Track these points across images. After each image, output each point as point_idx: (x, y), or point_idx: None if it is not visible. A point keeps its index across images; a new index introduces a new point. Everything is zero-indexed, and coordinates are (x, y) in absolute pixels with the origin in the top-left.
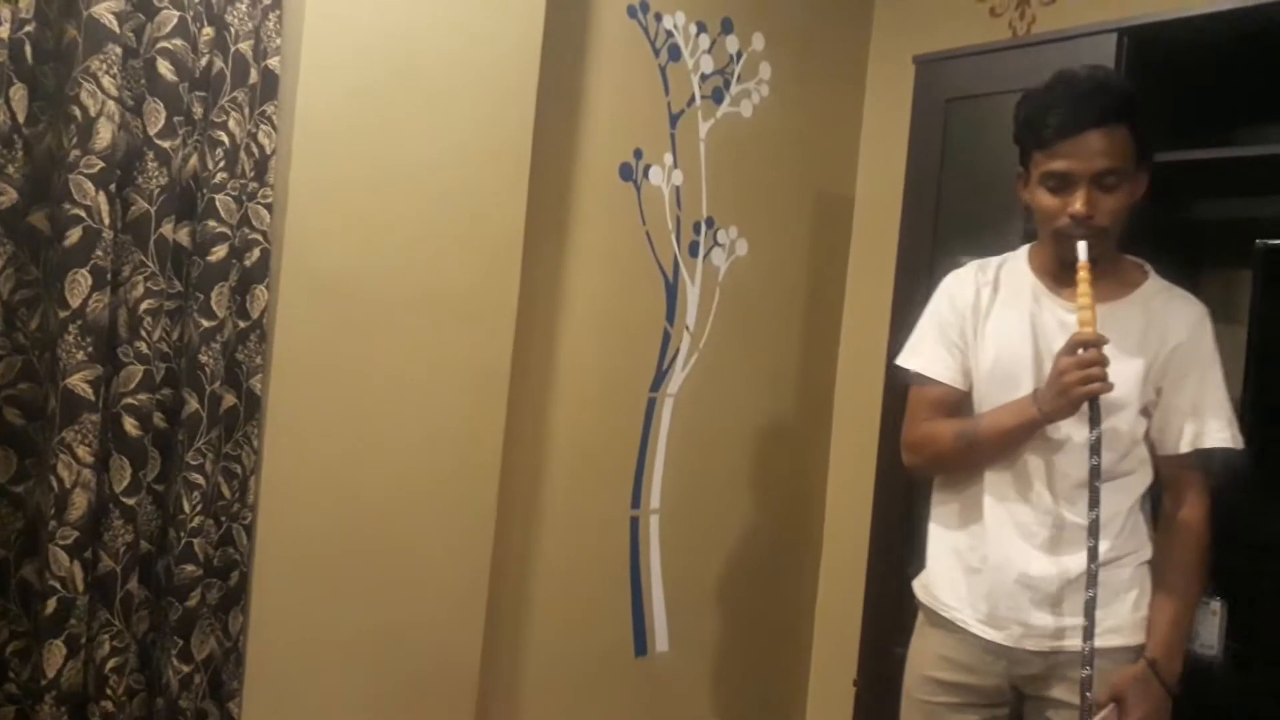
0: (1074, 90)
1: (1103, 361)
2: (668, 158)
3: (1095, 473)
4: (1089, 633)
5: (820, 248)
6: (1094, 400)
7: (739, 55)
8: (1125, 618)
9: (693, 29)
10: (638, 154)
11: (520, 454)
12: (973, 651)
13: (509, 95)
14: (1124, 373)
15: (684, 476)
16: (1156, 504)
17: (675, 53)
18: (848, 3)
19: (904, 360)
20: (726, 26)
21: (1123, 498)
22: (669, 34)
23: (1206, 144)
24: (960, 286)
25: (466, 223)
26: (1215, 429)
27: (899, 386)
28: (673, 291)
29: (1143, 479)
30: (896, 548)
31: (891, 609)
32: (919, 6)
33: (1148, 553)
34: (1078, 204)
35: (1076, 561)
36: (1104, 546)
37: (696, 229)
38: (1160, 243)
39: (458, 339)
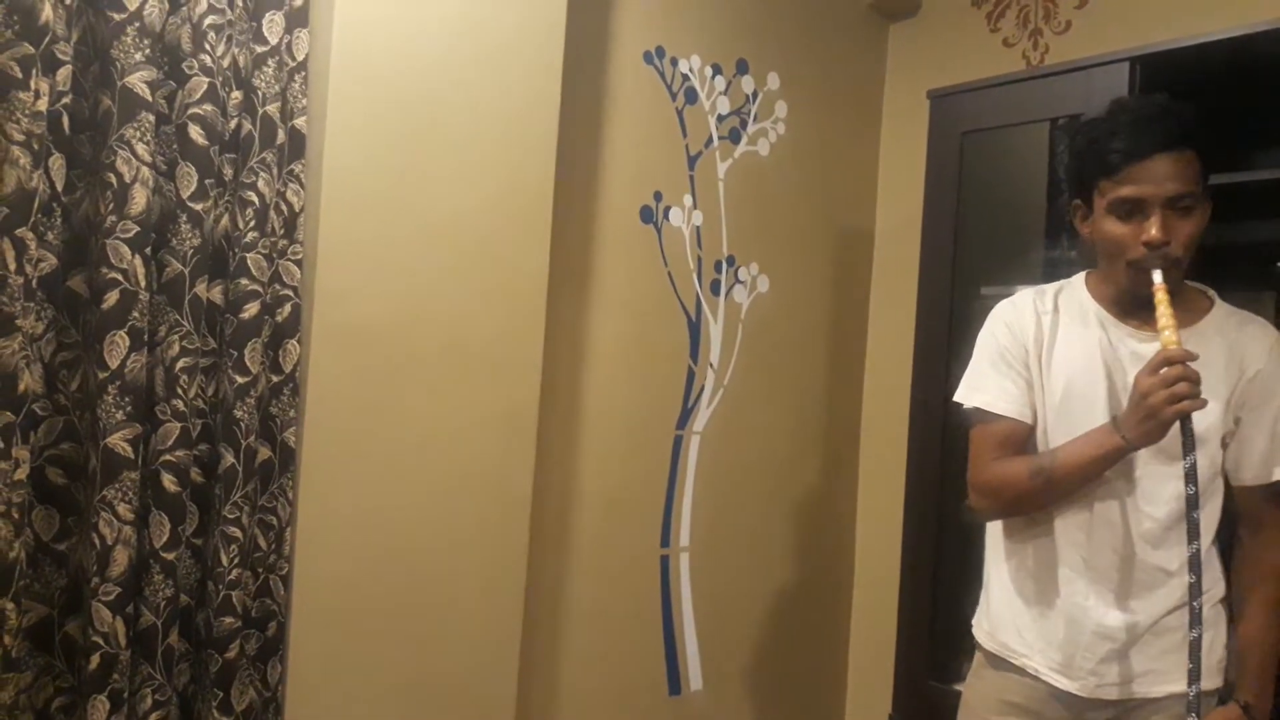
0: (1139, 115)
1: (1191, 377)
2: (687, 199)
3: (1193, 502)
4: (1194, 675)
5: (841, 282)
6: (1186, 422)
7: (755, 95)
8: (1203, 661)
9: (708, 71)
10: (657, 196)
11: (550, 496)
12: (1041, 698)
13: (530, 146)
14: (1208, 405)
15: (713, 513)
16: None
17: (692, 95)
18: (861, 39)
19: (964, 397)
20: (742, 67)
21: (1204, 534)
22: (685, 77)
23: (1223, 169)
24: (1019, 315)
25: (491, 271)
26: None
27: (927, 419)
28: (696, 330)
29: (1216, 513)
30: (928, 580)
31: (925, 642)
32: (932, 40)
33: (1222, 589)
34: (1153, 230)
35: (1154, 606)
36: (1181, 588)
37: (718, 267)
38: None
39: (486, 385)
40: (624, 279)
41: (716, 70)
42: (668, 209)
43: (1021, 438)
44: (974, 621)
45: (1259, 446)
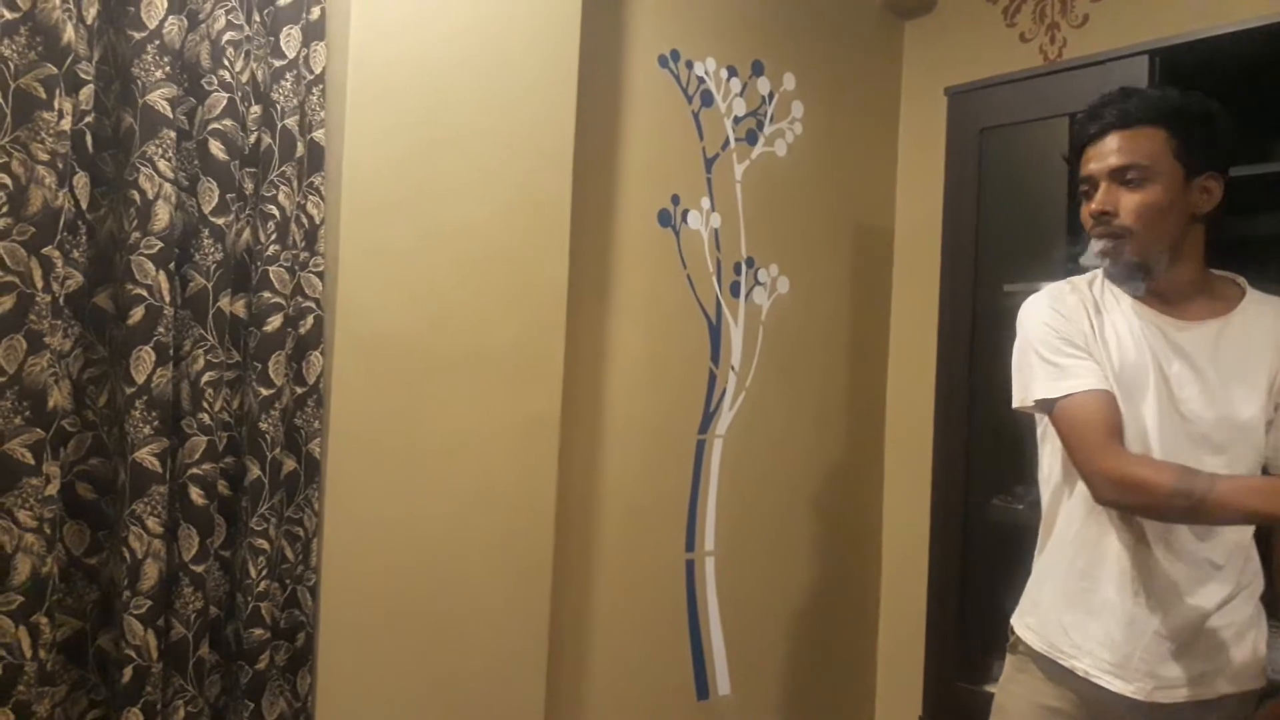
0: (1102, 100)
1: None
2: (705, 201)
3: None
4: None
5: (862, 281)
6: None
7: (771, 96)
8: (1247, 661)
9: (724, 74)
10: (675, 200)
11: (574, 502)
12: (1085, 701)
13: (547, 153)
14: (1249, 394)
15: (737, 517)
16: None
17: (708, 98)
18: (876, 37)
19: (1045, 392)
20: (757, 69)
21: (1239, 527)
22: (700, 80)
23: (1247, 160)
24: (1064, 303)
25: (512, 279)
26: None
27: (952, 417)
28: (716, 333)
29: None
30: (956, 580)
31: (955, 642)
32: (948, 36)
33: (1261, 584)
34: (1094, 202)
35: (1206, 600)
36: (1230, 582)
37: (737, 269)
38: (1209, 260)
39: (508, 393)
40: (643, 283)
41: (732, 72)
42: (685, 212)
43: (1115, 406)
44: (1014, 619)
45: None
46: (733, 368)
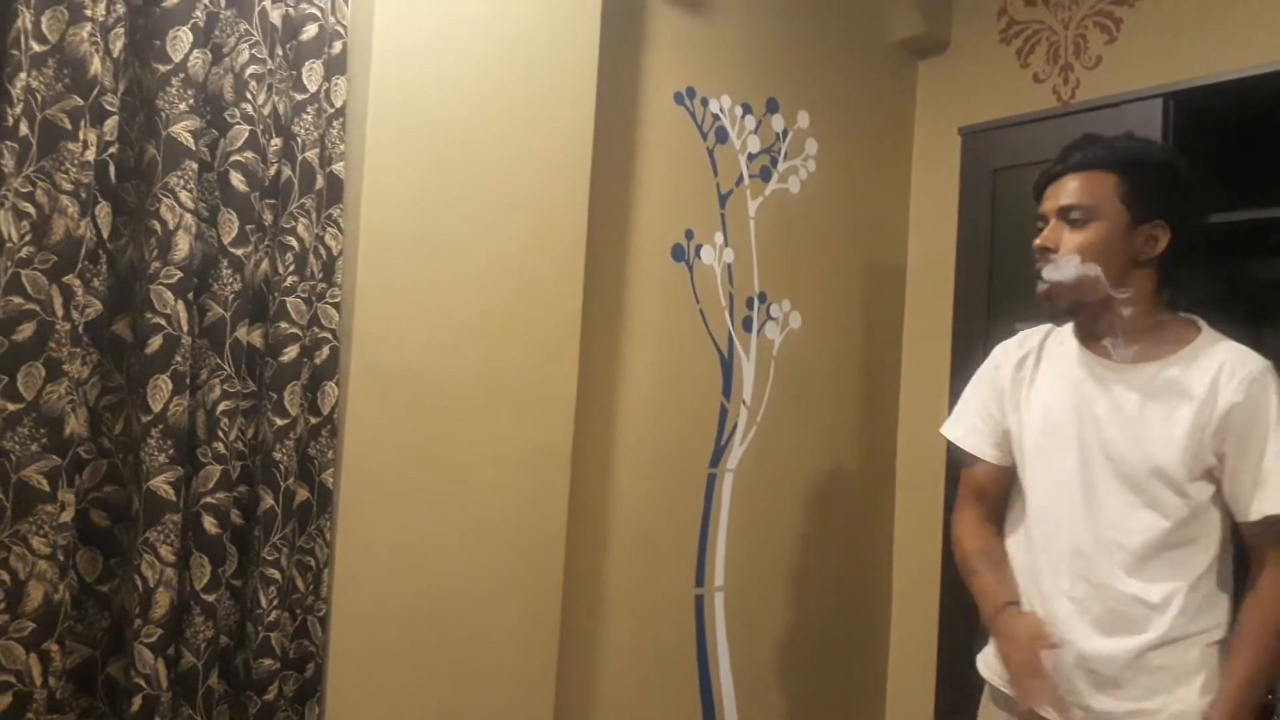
0: (1069, 145)
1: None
2: (718, 236)
3: None
4: None
5: (874, 318)
6: None
7: (785, 133)
8: (1192, 703)
9: (738, 111)
10: (689, 234)
11: (583, 535)
12: None
13: (563, 188)
14: (1170, 435)
15: (748, 552)
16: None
17: (722, 135)
18: (890, 76)
19: (946, 429)
20: (771, 106)
21: (1183, 570)
22: (716, 117)
23: (1260, 204)
24: (1005, 356)
25: (526, 312)
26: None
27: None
28: (728, 367)
29: (1206, 550)
30: (967, 620)
31: (965, 683)
32: (962, 76)
33: (1220, 632)
34: (1039, 237)
35: (1135, 639)
36: (1164, 624)
37: (749, 304)
38: (1220, 304)
39: (520, 425)
40: (656, 317)
41: (747, 109)
42: (699, 247)
43: (991, 480)
44: (979, 656)
45: (1245, 485)
46: (744, 402)
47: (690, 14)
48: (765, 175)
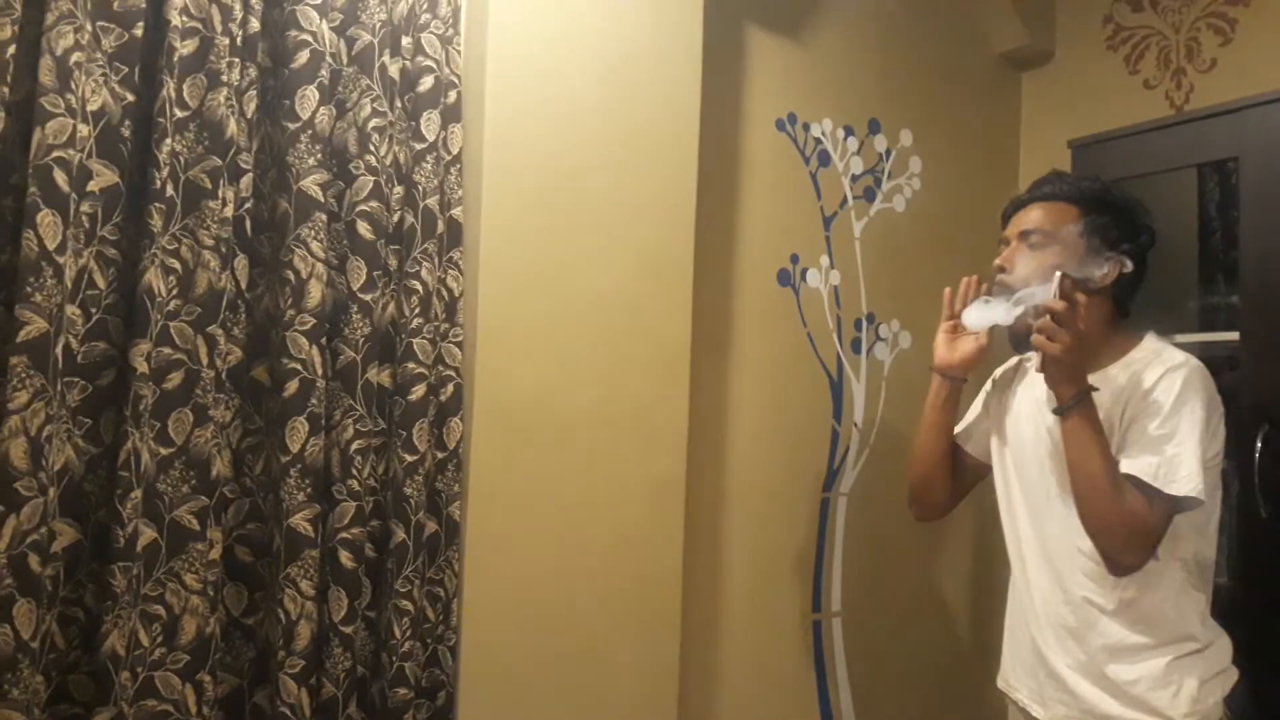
0: (1038, 181)
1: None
2: (824, 259)
3: None
4: None
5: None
6: None
7: (888, 153)
8: (1164, 713)
9: (840, 133)
10: (794, 259)
11: (699, 561)
12: None
13: (670, 220)
14: None
15: (864, 576)
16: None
17: (825, 158)
18: (994, 90)
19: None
20: (874, 127)
21: (1149, 580)
22: (818, 141)
23: None
24: (1003, 369)
25: (638, 344)
26: (1132, 458)
27: None
28: (838, 390)
29: (1171, 566)
30: None
31: None
32: (1067, 86)
33: (1195, 644)
34: (999, 257)
35: (1092, 643)
36: (1126, 631)
37: (858, 325)
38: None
39: (635, 455)
40: (764, 342)
41: (849, 132)
42: (805, 271)
43: (958, 454)
44: (999, 675)
45: (1117, 445)
46: (855, 425)
47: (789, 41)
48: (869, 196)
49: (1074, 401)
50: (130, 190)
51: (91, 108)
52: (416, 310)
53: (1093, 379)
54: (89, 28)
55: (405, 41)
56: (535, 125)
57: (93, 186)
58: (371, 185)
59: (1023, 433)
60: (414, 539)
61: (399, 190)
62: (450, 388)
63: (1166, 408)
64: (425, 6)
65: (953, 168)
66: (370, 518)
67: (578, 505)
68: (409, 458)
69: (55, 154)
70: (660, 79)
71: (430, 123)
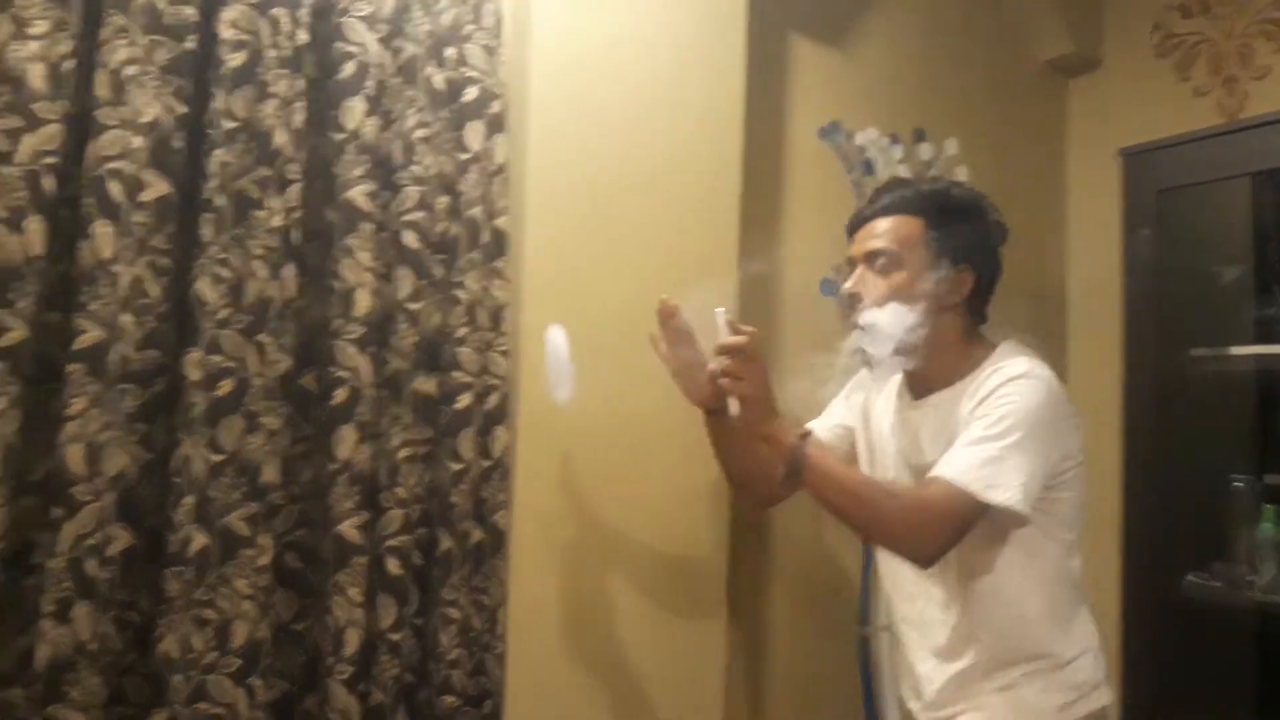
0: (879, 188)
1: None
2: None
3: None
4: None
5: (1035, 345)
6: None
7: (934, 162)
8: None
9: (885, 142)
10: (837, 268)
11: (744, 574)
12: None
13: (713, 231)
14: (938, 459)
15: None
16: None
17: (869, 167)
18: (1041, 98)
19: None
20: (919, 136)
21: (990, 592)
22: (861, 149)
23: None
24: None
25: None
26: (950, 462)
27: (1145, 485)
28: None
29: (1020, 578)
30: (1151, 657)
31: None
32: (1116, 94)
33: (1049, 662)
34: (847, 282)
35: (936, 644)
36: (970, 651)
37: None
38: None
39: (679, 465)
40: (807, 352)
41: (894, 140)
42: None
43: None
44: None
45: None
46: None
47: (833, 49)
48: None
49: (795, 452)
50: (182, 200)
51: (144, 120)
52: (463, 319)
53: (947, 395)
54: (142, 41)
55: (449, 52)
56: (578, 135)
57: (145, 197)
58: (417, 196)
59: (886, 449)
60: (460, 547)
61: (444, 200)
62: (496, 396)
63: (994, 415)
64: (469, 17)
65: (999, 176)
66: (417, 526)
67: (622, 514)
68: (455, 466)
69: (110, 165)
70: (703, 88)
71: (474, 133)
